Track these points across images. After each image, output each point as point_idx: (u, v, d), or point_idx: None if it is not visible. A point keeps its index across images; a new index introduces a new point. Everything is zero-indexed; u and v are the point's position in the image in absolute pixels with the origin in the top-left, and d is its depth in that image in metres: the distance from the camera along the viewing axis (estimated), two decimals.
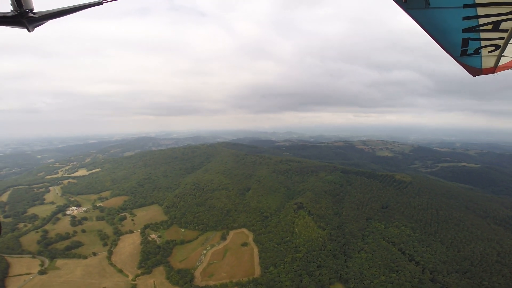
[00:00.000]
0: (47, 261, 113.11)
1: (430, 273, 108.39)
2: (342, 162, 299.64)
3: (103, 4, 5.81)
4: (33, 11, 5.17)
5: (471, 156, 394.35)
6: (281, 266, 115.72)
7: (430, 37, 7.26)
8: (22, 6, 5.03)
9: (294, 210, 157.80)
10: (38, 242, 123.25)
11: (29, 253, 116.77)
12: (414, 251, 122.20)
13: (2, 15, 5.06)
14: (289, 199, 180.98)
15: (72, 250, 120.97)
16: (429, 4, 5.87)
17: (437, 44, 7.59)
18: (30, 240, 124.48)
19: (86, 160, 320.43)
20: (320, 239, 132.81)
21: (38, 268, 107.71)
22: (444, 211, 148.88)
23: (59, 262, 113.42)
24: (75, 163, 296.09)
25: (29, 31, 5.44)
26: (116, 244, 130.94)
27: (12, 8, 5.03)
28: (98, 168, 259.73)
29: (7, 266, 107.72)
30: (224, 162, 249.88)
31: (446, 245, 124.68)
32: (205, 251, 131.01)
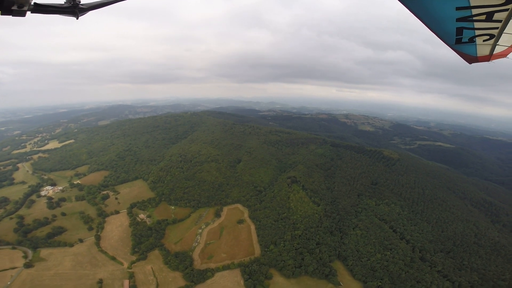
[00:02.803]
0: (30, 252, 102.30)
1: (420, 252, 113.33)
2: (327, 134, 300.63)
3: None
4: (81, 3, 6.12)
5: (445, 136, 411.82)
6: (282, 244, 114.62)
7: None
8: None
9: (288, 185, 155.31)
10: (15, 230, 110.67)
11: (8, 243, 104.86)
12: (404, 230, 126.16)
13: (60, 6, 6.03)
14: (281, 172, 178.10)
15: (55, 238, 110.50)
16: None
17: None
18: (5, 228, 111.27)
19: (57, 131, 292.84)
20: (316, 215, 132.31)
21: (22, 261, 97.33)
22: (429, 191, 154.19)
23: (44, 252, 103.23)
24: (44, 134, 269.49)
25: (77, 18, 6.40)
26: (102, 228, 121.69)
27: (65, 0, 6.10)
28: (71, 139, 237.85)
29: None
30: (211, 131, 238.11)
31: (431, 225, 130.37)
32: (200, 230, 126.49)
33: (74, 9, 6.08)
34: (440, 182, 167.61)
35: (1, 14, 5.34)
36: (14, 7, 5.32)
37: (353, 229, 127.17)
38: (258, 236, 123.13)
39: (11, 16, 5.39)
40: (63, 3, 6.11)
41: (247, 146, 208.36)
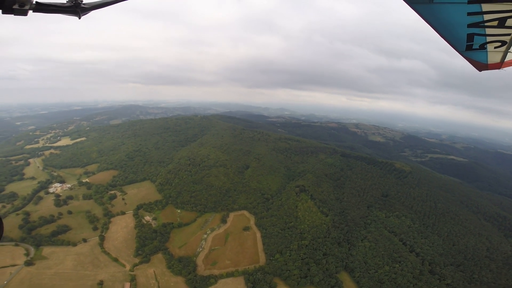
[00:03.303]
0: (32, 250, 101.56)
1: (429, 265, 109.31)
2: (337, 144, 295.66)
3: None
4: (83, 2, 6.07)
5: (457, 149, 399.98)
6: (288, 254, 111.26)
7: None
8: None
9: (296, 193, 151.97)
10: (20, 227, 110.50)
11: (11, 240, 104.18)
12: (414, 242, 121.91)
13: (62, 5, 5.99)
14: (290, 181, 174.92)
15: (59, 236, 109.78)
16: None
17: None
18: (11, 224, 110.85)
19: (70, 128, 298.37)
20: (324, 225, 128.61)
21: (24, 258, 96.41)
22: (442, 204, 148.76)
23: (46, 250, 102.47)
24: (57, 131, 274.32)
25: (79, 18, 6.36)
26: (107, 228, 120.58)
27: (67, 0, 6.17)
28: (83, 137, 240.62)
29: None
30: (220, 136, 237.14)
31: (442, 238, 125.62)
32: (205, 236, 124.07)
33: (76, 9, 5.98)
34: (453, 196, 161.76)
35: (2, 13, 5.17)
36: (16, 6, 5.15)
37: (361, 240, 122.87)
38: (263, 244, 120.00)
39: (12, 15, 5.26)
40: (65, 2, 6.04)
41: (256, 152, 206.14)
